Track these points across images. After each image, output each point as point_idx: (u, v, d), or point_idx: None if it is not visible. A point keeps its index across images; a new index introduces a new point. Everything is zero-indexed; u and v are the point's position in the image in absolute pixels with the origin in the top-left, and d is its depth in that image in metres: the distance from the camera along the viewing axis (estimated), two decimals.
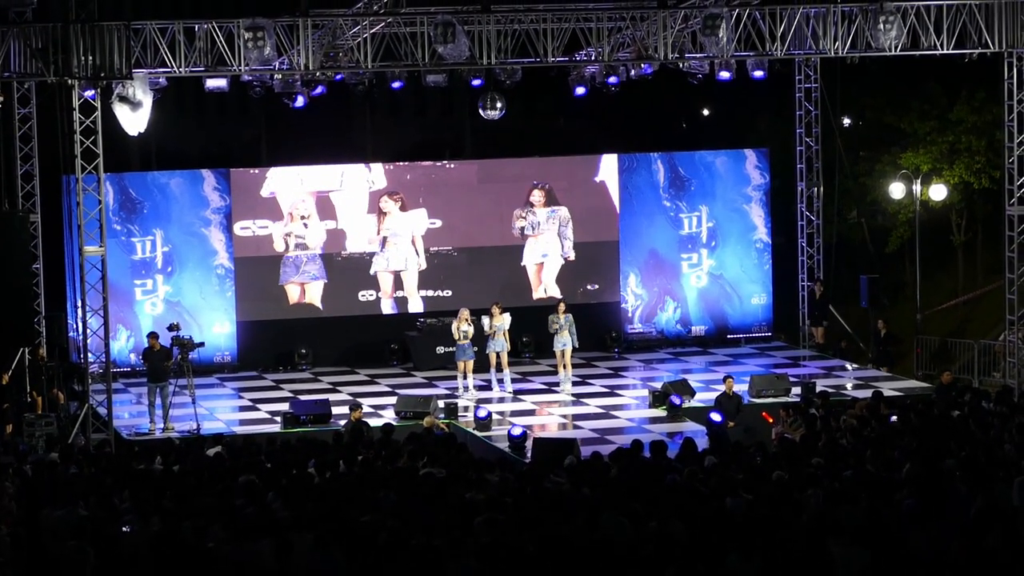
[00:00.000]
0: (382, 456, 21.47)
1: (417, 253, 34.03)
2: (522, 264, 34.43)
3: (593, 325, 34.06)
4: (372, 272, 33.87)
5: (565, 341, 30.46)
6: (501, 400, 29.83)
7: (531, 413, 28.96)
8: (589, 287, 34.90)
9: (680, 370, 32.56)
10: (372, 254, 33.92)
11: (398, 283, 34.08)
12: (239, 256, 33.16)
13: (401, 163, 34.93)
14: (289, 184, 33.45)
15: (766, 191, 35.60)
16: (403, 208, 33.87)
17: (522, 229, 34.41)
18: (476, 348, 30.32)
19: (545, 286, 34.48)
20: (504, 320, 30.23)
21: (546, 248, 34.55)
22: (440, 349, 32.63)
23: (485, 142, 35.17)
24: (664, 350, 34.80)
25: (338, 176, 33.80)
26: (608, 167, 34.86)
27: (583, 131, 37.03)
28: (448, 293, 34.08)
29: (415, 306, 34.06)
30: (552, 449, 23.20)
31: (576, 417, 28.42)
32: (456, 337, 30.08)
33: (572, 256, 34.58)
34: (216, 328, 33.03)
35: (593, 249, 34.81)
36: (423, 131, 35.97)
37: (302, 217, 33.42)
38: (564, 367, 30.56)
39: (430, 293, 34.18)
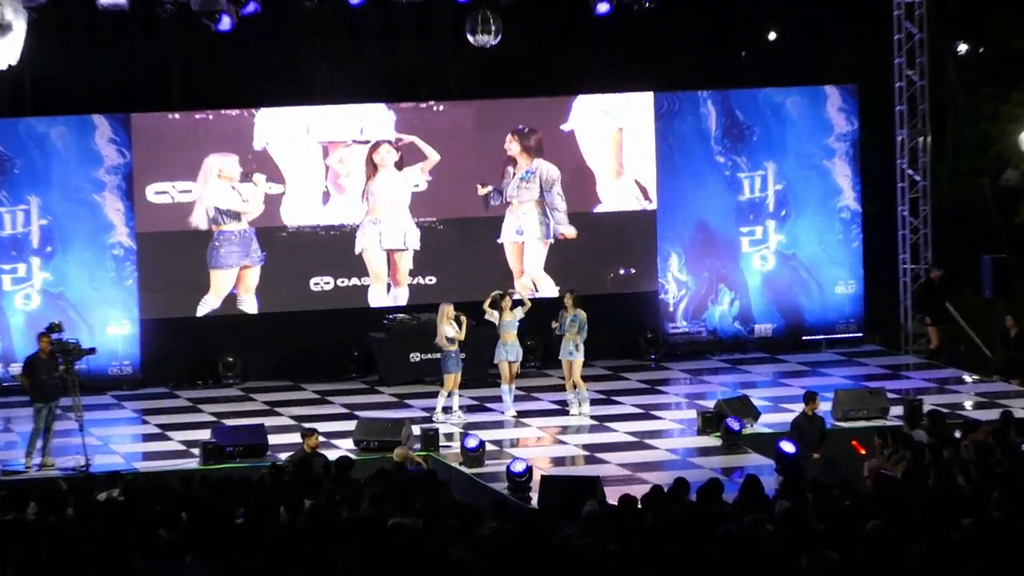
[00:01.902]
0: (337, 500, 21.43)
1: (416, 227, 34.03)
2: (498, 241, 34.46)
3: (623, 323, 34.24)
4: (358, 251, 33.83)
5: (570, 350, 30.29)
6: (498, 425, 29.86)
7: (538, 442, 29.10)
8: (622, 272, 34.82)
9: (739, 384, 32.72)
10: (334, 227, 33.69)
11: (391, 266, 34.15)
12: (143, 231, 33.14)
13: (366, 104, 34.62)
14: (291, 133, 33.64)
15: (854, 142, 35.63)
16: (399, 165, 33.78)
17: (487, 197, 34.26)
18: (464, 355, 30.29)
19: (531, 275, 34.35)
20: (515, 315, 30.09)
21: (520, 223, 34.43)
22: (415, 356, 32.72)
23: (473, 78, 35.06)
24: (718, 356, 35.00)
25: (336, 121, 33.97)
26: (584, 110, 34.71)
27: (606, 62, 36.90)
28: (432, 280, 34.04)
29: (403, 297, 34.11)
30: (567, 490, 23.33)
31: (599, 447, 28.44)
32: (439, 343, 29.96)
33: (572, 233, 34.42)
34: (111, 329, 33.08)
35: (622, 221, 34.77)
36: (391, 62, 35.81)
37: (244, 176, 33.40)
38: (572, 383, 30.40)
39: (408, 280, 34.12)
